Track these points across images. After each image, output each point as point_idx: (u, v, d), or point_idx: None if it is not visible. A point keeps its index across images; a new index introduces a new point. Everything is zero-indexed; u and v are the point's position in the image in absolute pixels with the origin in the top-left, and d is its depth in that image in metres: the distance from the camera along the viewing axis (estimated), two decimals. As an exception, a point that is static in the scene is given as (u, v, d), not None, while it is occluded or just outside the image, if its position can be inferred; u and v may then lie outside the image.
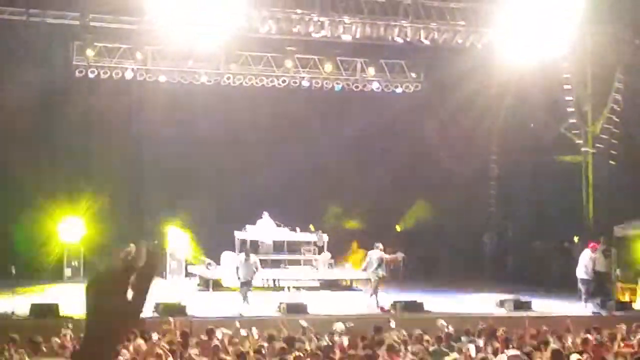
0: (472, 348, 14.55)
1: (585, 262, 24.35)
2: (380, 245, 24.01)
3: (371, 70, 30.03)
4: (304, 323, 18.46)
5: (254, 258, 23.29)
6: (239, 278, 22.77)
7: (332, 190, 30.68)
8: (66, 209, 28.30)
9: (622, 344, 15.60)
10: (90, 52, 26.87)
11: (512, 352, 12.60)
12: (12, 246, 26.71)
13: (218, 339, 16.19)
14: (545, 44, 27.31)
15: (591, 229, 28.49)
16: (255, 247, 26.99)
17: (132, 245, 22.17)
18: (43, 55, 27.05)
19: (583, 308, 24.02)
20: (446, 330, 17.53)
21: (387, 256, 24.03)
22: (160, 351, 14.27)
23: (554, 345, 14.56)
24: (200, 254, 27.97)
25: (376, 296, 23.56)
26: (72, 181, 28.59)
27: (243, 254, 23.53)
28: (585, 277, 24.41)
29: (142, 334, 16.54)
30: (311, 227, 27.91)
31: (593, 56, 28.21)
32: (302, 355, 14.32)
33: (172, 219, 28.78)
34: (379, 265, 23.68)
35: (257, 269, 23.04)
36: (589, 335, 16.25)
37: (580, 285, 24.40)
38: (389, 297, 24.44)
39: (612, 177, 28.25)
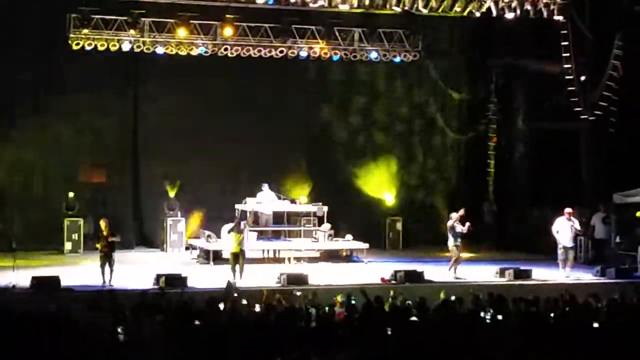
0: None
1: (564, 229, 24.28)
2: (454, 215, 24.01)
3: (369, 40, 29.86)
4: (298, 293, 18.51)
5: (242, 224, 23.31)
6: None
7: (331, 161, 30.63)
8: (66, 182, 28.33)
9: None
10: (87, 24, 26.73)
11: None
12: (12, 219, 26.78)
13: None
14: (543, 10, 27.28)
15: (590, 197, 28.54)
16: (255, 218, 27.02)
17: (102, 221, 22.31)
18: (39, 27, 26.89)
19: (576, 274, 24.15)
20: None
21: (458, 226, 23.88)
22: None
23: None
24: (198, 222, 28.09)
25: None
26: (71, 154, 28.58)
27: (231, 224, 23.51)
28: (569, 244, 24.39)
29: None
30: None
31: (591, 22, 28.12)
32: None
33: (172, 191, 28.79)
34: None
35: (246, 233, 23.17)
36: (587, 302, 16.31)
37: (566, 254, 24.32)
38: (388, 266, 24.50)
39: (611, 144, 28.23)
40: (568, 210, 24.51)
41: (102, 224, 22.35)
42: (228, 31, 27.59)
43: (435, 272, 23.80)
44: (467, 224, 23.73)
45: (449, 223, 23.95)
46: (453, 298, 17.56)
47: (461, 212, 24.01)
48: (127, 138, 29.61)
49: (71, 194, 27.97)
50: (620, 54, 27.66)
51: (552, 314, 14.82)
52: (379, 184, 30.68)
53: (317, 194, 28.60)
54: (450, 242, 23.80)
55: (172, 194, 28.65)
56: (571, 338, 11.99)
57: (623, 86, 27.53)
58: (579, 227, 24.68)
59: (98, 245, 22.14)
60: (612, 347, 11.46)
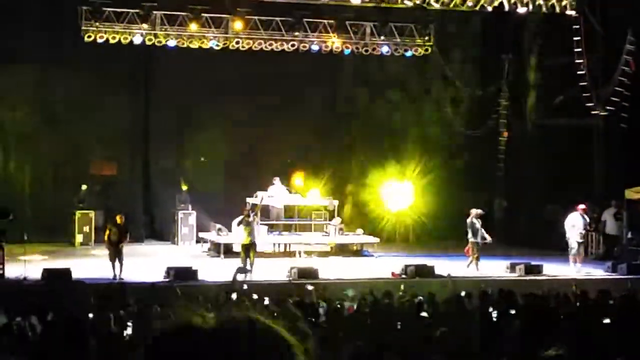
0: None
1: (577, 224, 24.27)
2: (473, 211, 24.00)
3: (380, 34, 29.83)
4: (309, 287, 18.55)
5: (252, 216, 23.31)
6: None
7: (342, 155, 30.59)
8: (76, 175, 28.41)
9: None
10: (99, 17, 26.77)
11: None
12: (24, 211, 26.82)
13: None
14: (555, 5, 27.21)
15: (601, 192, 28.46)
16: (266, 212, 27.04)
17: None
18: (51, 20, 26.95)
19: (588, 270, 24.11)
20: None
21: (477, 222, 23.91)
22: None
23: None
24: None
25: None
26: (82, 147, 28.64)
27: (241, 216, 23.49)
28: (580, 240, 24.39)
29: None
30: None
31: (603, 18, 28.02)
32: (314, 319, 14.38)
33: (185, 185, 28.83)
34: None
35: (257, 225, 23.20)
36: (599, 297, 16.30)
37: (577, 249, 24.30)
38: (399, 260, 24.50)
39: (623, 140, 28.13)
40: (582, 206, 24.47)
41: (120, 219, 22.47)
42: (238, 25, 27.60)
43: (446, 266, 23.77)
44: (488, 238, 23.78)
45: (469, 219, 23.92)
46: (463, 293, 17.61)
47: (479, 209, 24.09)
48: (138, 131, 29.66)
49: (84, 187, 28.02)
50: (632, 49, 27.53)
51: (562, 310, 14.81)
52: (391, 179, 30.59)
53: (330, 188, 28.57)
54: (470, 238, 23.78)
55: (184, 188, 28.67)
56: (581, 334, 11.96)
57: (635, 81, 27.41)
58: (588, 223, 24.67)
59: (107, 236, 22.20)
60: (623, 343, 11.42)
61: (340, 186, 29.35)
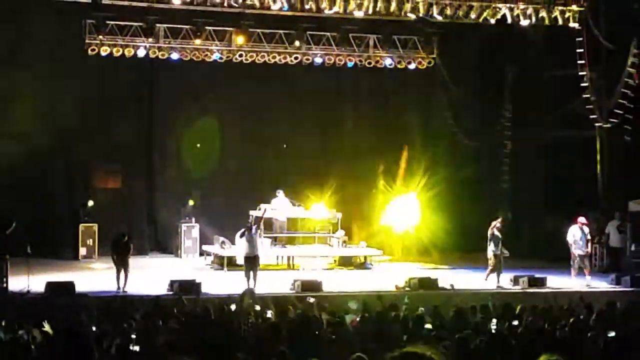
0: None
1: (578, 237, 24.27)
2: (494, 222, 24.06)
3: (384, 47, 29.88)
4: (311, 300, 18.52)
5: (253, 229, 23.25)
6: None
7: (345, 168, 30.50)
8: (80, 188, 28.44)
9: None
10: (102, 30, 26.85)
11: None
12: (28, 225, 26.76)
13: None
14: (559, 17, 27.24)
15: (605, 204, 28.43)
16: (269, 225, 27.00)
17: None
18: (55, 33, 27.00)
19: (592, 283, 24.06)
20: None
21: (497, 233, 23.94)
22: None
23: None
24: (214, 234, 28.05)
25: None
26: (86, 159, 28.66)
27: (243, 229, 23.42)
28: (583, 253, 24.39)
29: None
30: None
31: (607, 30, 28.03)
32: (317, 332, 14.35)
33: (187, 197, 28.84)
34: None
35: (260, 237, 23.18)
36: (603, 310, 16.25)
37: (580, 262, 24.29)
38: (402, 273, 24.47)
39: (626, 152, 28.12)
40: (581, 219, 24.47)
41: (124, 231, 22.60)
42: (240, 40, 27.72)
43: (451, 278, 23.74)
44: (506, 252, 23.78)
45: (490, 231, 23.91)
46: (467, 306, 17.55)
47: (499, 220, 24.11)
48: (142, 144, 29.69)
49: (90, 203, 28.02)
50: (636, 62, 27.54)
51: (565, 323, 14.75)
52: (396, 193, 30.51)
53: (334, 200, 28.49)
54: (490, 250, 23.75)
55: (191, 203, 28.68)
56: (586, 348, 11.92)
57: (639, 93, 27.41)
58: (587, 235, 24.67)
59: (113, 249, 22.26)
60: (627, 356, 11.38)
61: (346, 199, 29.25)
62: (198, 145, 29.34)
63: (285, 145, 29.08)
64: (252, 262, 22.53)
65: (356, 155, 30.59)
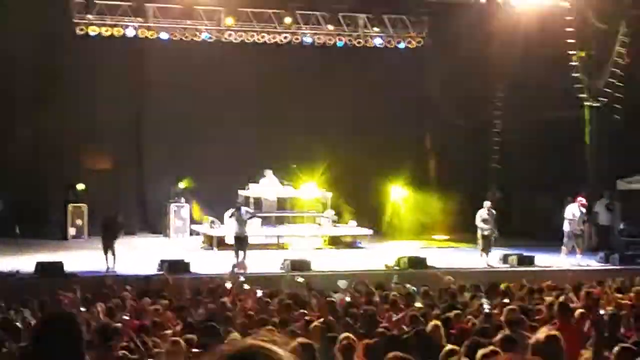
0: (485, 304, 14.56)
1: (576, 216, 24.37)
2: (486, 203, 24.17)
3: (374, 26, 29.83)
4: (300, 279, 18.56)
5: (243, 210, 23.24)
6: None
7: (334, 146, 30.43)
8: (70, 168, 28.37)
9: (622, 296, 15.63)
10: (91, 10, 26.75)
11: (511, 306, 12.63)
12: (17, 205, 26.70)
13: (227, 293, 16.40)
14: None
15: (593, 183, 28.47)
16: (258, 204, 26.97)
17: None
18: (43, 13, 26.85)
19: (581, 261, 24.14)
20: (452, 286, 17.56)
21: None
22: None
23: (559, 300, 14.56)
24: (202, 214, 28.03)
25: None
26: (75, 140, 28.54)
27: (232, 209, 23.42)
28: (578, 232, 24.49)
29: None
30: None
31: (597, 8, 27.99)
32: (306, 312, 14.38)
33: (176, 178, 28.80)
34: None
35: (249, 217, 23.14)
36: (592, 289, 16.29)
37: (575, 240, 24.39)
38: (391, 252, 24.52)
39: (615, 131, 28.13)
40: (580, 199, 24.51)
41: (113, 212, 22.62)
42: (229, 20, 27.65)
43: (438, 258, 23.82)
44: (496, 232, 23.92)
45: (480, 211, 24.00)
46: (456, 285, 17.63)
47: (491, 200, 24.26)
48: (131, 124, 29.63)
49: (81, 186, 27.97)
50: (626, 41, 27.53)
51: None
52: (385, 172, 30.49)
53: (324, 180, 28.45)
54: (480, 230, 23.84)
55: (182, 185, 28.68)
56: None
57: (628, 73, 27.41)
58: (585, 217, 24.79)
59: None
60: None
61: (337, 179, 29.22)
62: (187, 125, 29.21)
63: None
64: (241, 242, 22.55)
65: (347, 135, 30.50)
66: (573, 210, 24.43)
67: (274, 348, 2.94)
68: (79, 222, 27.54)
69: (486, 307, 14.02)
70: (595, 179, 28.58)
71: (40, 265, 20.61)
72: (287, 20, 28.49)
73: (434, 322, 11.95)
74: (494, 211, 24.07)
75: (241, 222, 22.83)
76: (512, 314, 11.60)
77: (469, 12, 28.84)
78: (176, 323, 13.35)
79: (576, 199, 24.64)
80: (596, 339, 10.62)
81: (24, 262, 21.07)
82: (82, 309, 14.54)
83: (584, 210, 24.67)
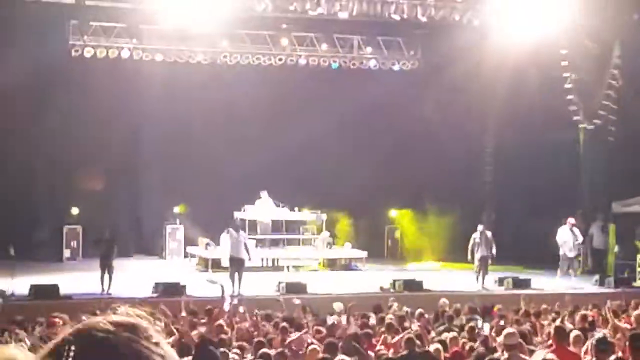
0: (486, 327, 14.59)
1: (567, 239, 24.42)
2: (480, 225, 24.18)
3: (368, 48, 29.96)
4: (297, 301, 18.53)
5: (242, 233, 23.23)
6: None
7: (329, 169, 30.45)
8: (65, 189, 28.32)
9: (619, 319, 15.62)
10: (86, 32, 26.82)
11: (508, 330, 12.61)
12: (12, 227, 26.62)
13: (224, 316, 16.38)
14: (542, 19, 27.26)
15: (588, 206, 28.50)
16: (253, 227, 26.95)
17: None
18: (38, 34, 26.87)
19: (576, 284, 24.14)
20: (447, 309, 17.56)
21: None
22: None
23: (555, 323, 14.57)
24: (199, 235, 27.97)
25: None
26: (70, 161, 28.48)
27: (231, 229, 23.40)
28: (571, 254, 24.55)
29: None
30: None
31: (590, 31, 28.10)
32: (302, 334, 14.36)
33: (171, 199, 28.76)
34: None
35: (245, 243, 23.08)
36: (588, 312, 16.31)
37: (569, 264, 24.46)
38: (387, 275, 24.50)
39: (610, 153, 28.19)
40: (571, 220, 24.57)
41: (107, 234, 22.51)
42: (224, 43, 27.74)
43: (434, 280, 23.80)
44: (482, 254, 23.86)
45: (475, 234, 24.02)
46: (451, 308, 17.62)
47: (485, 223, 24.29)
48: (126, 146, 29.61)
49: (75, 211, 27.94)
50: (619, 63, 27.63)
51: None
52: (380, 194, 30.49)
53: (316, 202, 28.44)
54: (475, 252, 23.84)
55: (178, 210, 28.67)
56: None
57: (622, 94, 27.50)
58: (580, 238, 24.82)
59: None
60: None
61: (331, 199, 29.23)
62: (182, 147, 29.20)
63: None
64: (237, 264, 22.50)
65: (343, 156, 30.51)
66: (564, 233, 24.49)
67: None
68: (74, 243, 27.48)
69: (484, 330, 14.04)
70: (590, 201, 28.62)
71: (34, 288, 20.54)
72: (284, 42, 28.60)
73: (434, 345, 11.96)
74: (488, 234, 24.07)
75: (237, 244, 22.79)
76: (510, 338, 11.59)
77: (462, 35, 28.94)
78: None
79: (566, 221, 24.70)
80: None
81: (19, 284, 20.98)
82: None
83: (577, 231, 24.71)
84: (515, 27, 27.48)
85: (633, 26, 27.20)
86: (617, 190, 27.22)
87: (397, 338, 13.93)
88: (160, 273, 24.55)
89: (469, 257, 23.91)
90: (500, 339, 12.05)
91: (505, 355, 10.87)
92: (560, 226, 24.86)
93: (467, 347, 12.75)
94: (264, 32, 28.57)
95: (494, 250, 24.00)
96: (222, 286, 19.68)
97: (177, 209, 28.68)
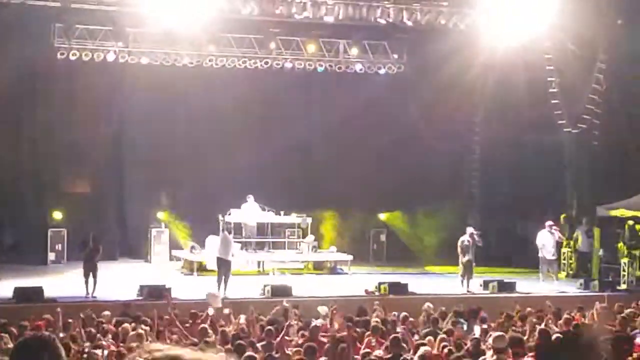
0: (477, 329, 14.62)
1: (547, 242, 24.51)
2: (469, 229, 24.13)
3: (354, 52, 29.99)
4: (286, 304, 18.53)
5: (228, 235, 23.25)
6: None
7: (315, 172, 30.48)
8: (50, 192, 28.24)
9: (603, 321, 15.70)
10: (71, 34, 26.74)
11: (497, 333, 12.65)
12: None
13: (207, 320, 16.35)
14: (527, 24, 27.33)
15: (573, 209, 28.59)
16: (239, 230, 26.93)
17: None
18: (24, 37, 26.79)
19: (561, 287, 24.20)
20: (432, 313, 17.60)
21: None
22: (141, 332, 14.33)
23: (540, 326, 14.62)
24: (185, 238, 27.90)
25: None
26: (55, 164, 28.42)
27: (225, 232, 23.42)
28: (552, 257, 24.65)
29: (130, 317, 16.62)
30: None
31: (575, 36, 28.19)
32: (288, 337, 14.39)
33: (156, 202, 28.70)
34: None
35: (231, 243, 23.13)
36: (572, 315, 16.38)
37: (548, 267, 24.56)
38: (372, 278, 24.50)
39: (594, 158, 28.29)
40: (549, 222, 24.67)
41: (91, 237, 22.39)
42: (211, 48, 27.73)
43: (419, 284, 23.82)
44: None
45: (462, 238, 24.02)
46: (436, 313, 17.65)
47: (472, 227, 24.27)
48: (111, 148, 29.55)
49: (58, 215, 27.82)
50: (603, 67, 27.73)
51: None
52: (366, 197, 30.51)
53: (302, 205, 28.41)
54: (461, 256, 23.83)
55: (161, 216, 28.57)
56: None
57: (606, 99, 27.61)
58: (559, 238, 24.92)
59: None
60: None
61: (317, 203, 29.25)
62: (167, 149, 29.15)
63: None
64: (225, 265, 22.52)
65: (329, 160, 30.53)
66: (543, 236, 24.57)
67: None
68: (58, 246, 27.38)
69: (475, 333, 14.08)
70: (576, 205, 28.71)
71: (18, 291, 20.46)
72: (272, 45, 28.62)
73: (422, 348, 12.01)
74: (476, 237, 24.06)
75: (226, 245, 22.83)
76: (499, 341, 11.63)
77: (448, 39, 28.98)
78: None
79: (545, 225, 24.78)
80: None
81: (3, 287, 20.90)
82: (62, 334, 14.48)
83: (556, 234, 24.79)
84: (501, 31, 27.51)
85: (617, 31, 27.30)
86: (601, 193, 27.29)
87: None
88: (145, 276, 24.49)
89: (460, 259, 23.87)
90: (489, 342, 12.10)
91: (494, 357, 10.92)
92: (540, 230, 24.95)
93: (446, 351, 12.79)
94: (250, 36, 28.55)
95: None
96: (222, 300, 19.68)
97: (161, 215, 28.55)
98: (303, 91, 30.52)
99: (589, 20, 27.77)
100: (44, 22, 26.49)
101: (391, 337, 13.53)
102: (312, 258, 27.25)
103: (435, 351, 12.81)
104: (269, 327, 15.18)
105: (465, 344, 13.33)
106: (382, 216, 31.10)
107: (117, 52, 27.35)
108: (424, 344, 12.85)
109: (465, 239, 23.90)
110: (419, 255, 29.80)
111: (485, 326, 15.84)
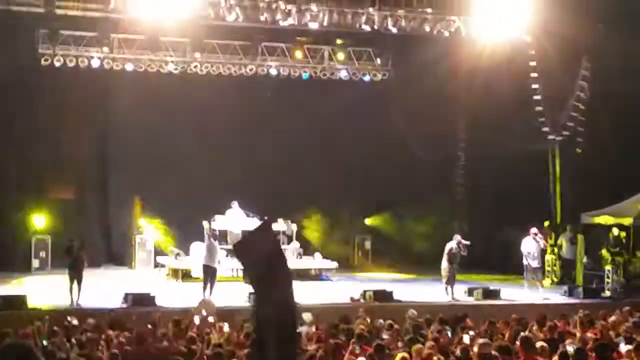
0: (466, 337, 14.62)
1: (532, 249, 24.55)
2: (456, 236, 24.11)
3: (339, 57, 30.03)
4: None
5: (214, 242, 23.23)
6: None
7: (300, 179, 30.43)
8: (34, 199, 28.13)
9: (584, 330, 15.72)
10: (56, 41, 26.67)
11: (483, 340, 12.64)
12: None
13: (193, 329, 16.31)
14: (512, 32, 27.43)
15: (557, 217, 28.65)
16: (223, 237, 26.87)
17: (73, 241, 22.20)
18: (7, 43, 26.70)
19: (545, 295, 24.24)
20: (416, 320, 17.60)
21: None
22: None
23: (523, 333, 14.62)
24: (170, 244, 27.85)
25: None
26: (39, 171, 28.31)
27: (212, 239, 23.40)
28: (537, 265, 24.68)
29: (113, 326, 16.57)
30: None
31: (559, 44, 28.27)
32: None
33: (141, 209, 28.64)
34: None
35: (216, 250, 23.09)
36: (556, 323, 16.39)
37: (533, 274, 24.59)
38: (358, 285, 24.49)
39: (578, 165, 28.36)
40: (533, 230, 24.72)
41: (76, 244, 22.25)
42: (197, 55, 27.73)
43: (404, 291, 23.82)
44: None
45: (447, 245, 23.97)
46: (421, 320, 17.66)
47: (458, 235, 24.23)
48: (95, 154, 29.47)
49: (40, 223, 27.74)
50: (587, 75, 27.84)
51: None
52: (351, 204, 30.55)
53: (287, 211, 28.40)
54: (444, 263, 23.74)
55: (145, 221, 28.52)
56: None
57: (590, 106, 27.72)
58: (544, 245, 24.97)
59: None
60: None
61: (303, 209, 29.25)
62: (152, 156, 29.08)
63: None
64: (211, 272, 22.49)
65: (314, 166, 30.51)
66: (527, 244, 24.61)
67: None
68: (42, 254, 27.27)
69: (464, 340, 14.08)
70: (560, 212, 28.76)
71: (1, 299, 20.32)
72: (255, 52, 28.62)
73: (399, 355, 11.99)
74: (462, 246, 23.97)
75: (212, 252, 22.79)
76: (484, 348, 11.62)
77: (432, 46, 29.05)
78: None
79: (529, 232, 24.83)
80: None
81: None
82: (45, 342, 14.42)
83: (541, 242, 24.83)
84: (485, 39, 27.61)
85: (600, 37, 27.38)
86: (585, 201, 27.36)
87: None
88: (130, 283, 24.42)
89: (445, 265, 23.80)
90: (475, 349, 12.09)
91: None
92: (524, 237, 24.99)
93: (434, 359, 12.76)
94: (235, 42, 28.54)
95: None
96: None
97: (144, 222, 28.48)
98: (288, 97, 30.45)
99: (572, 26, 27.87)
100: (28, 28, 26.40)
101: (375, 344, 13.51)
102: (297, 265, 27.20)
103: (419, 359, 12.79)
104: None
105: (453, 352, 13.32)
106: (368, 222, 31.13)
107: (101, 59, 27.30)
108: (406, 351, 12.81)
109: (453, 245, 23.87)
110: (404, 261, 29.79)
111: (472, 333, 15.83)
